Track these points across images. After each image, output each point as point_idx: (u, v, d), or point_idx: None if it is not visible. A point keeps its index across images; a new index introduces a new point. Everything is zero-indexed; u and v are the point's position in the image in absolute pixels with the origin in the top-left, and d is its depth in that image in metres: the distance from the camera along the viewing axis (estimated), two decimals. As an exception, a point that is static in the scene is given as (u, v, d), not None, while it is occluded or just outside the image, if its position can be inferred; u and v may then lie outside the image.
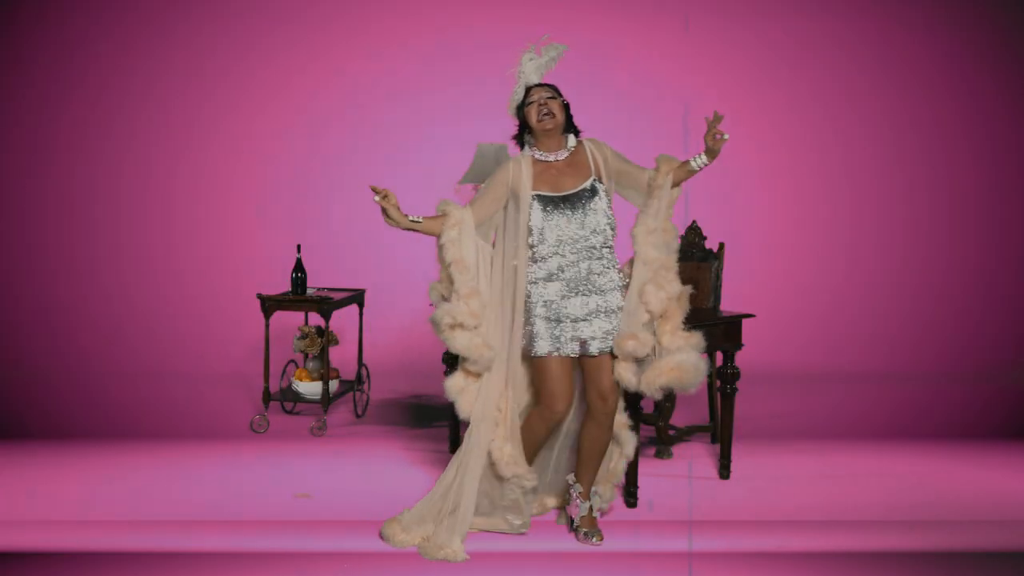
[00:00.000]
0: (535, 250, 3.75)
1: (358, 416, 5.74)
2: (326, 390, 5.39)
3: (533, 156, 3.81)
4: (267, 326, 5.40)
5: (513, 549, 3.74)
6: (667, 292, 3.70)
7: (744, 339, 4.59)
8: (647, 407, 5.56)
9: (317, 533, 3.89)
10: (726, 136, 3.66)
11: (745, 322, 4.56)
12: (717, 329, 4.43)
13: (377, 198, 3.72)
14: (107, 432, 5.42)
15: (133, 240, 7.14)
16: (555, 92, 3.80)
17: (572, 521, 3.88)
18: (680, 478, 4.57)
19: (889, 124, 7.19)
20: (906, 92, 7.15)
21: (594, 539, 3.78)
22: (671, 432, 4.93)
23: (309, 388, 5.50)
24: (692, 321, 4.34)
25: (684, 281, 5.32)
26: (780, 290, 7.04)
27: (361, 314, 5.83)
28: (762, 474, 4.62)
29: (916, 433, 5.44)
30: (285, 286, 5.89)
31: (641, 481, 4.23)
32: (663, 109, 7.17)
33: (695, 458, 4.89)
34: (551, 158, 3.80)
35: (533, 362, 3.80)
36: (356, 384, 5.73)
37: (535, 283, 3.77)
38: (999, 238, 7.12)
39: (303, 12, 7.16)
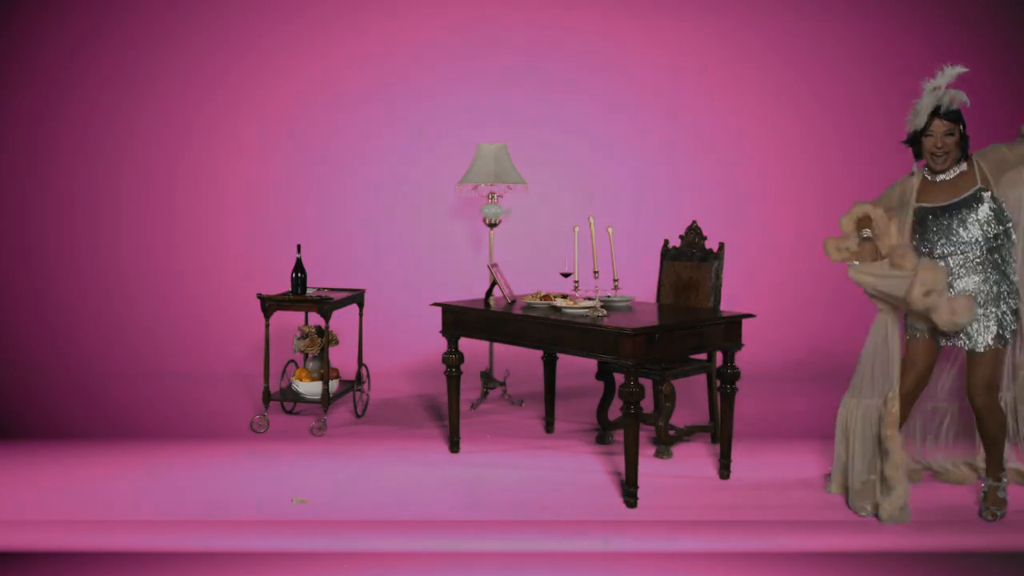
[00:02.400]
0: None
1: (358, 416, 5.74)
2: (326, 390, 5.38)
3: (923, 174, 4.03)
4: (267, 326, 5.40)
5: (514, 549, 3.74)
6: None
7: (744, 339, 4.58)
8: (647, 407, 5.56)
9: (317, 533, 3.89)
10: None
11: (745, 322, 4.56)
12: (717, 329, 4.42)
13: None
14: (107, 432, 5.41)
15: (133, 240, 7.14)
16: (953, 126, 3.89)
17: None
18: (680, 478, 4.57)
19: (889, 124, 7.17)
20: (906, 92, 7.11)
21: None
22: (671, 432, 4.93)
23: (309, 388, 5.50)
24: (692, 321, 4.35)
25: (684, 281, 5.33)
26: (780, 290, 7.04)
27: (361, 314, 5.83)
28: (762, 474, 4.62)
29: (916, 433, 5.43)
30: (285, 286, 5.89)
31: (641, 481, 4.23)
32: (662, 108, 7.17)
33: (695, 458, 4.89)
34: (938, 179, 3.96)
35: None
36: (356, 384, 5.72)
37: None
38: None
39: (303, 13, 7.16)
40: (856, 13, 7.14)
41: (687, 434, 5.00)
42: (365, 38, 7.17)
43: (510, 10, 7.15)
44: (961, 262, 3.86)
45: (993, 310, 3.84)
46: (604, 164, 7.18)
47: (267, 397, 5.41)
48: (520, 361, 6.47)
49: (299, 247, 5.56)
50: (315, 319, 6.07)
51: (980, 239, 3.83)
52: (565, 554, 3.72)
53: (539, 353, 5.54)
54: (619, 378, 5.11)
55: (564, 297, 4.71)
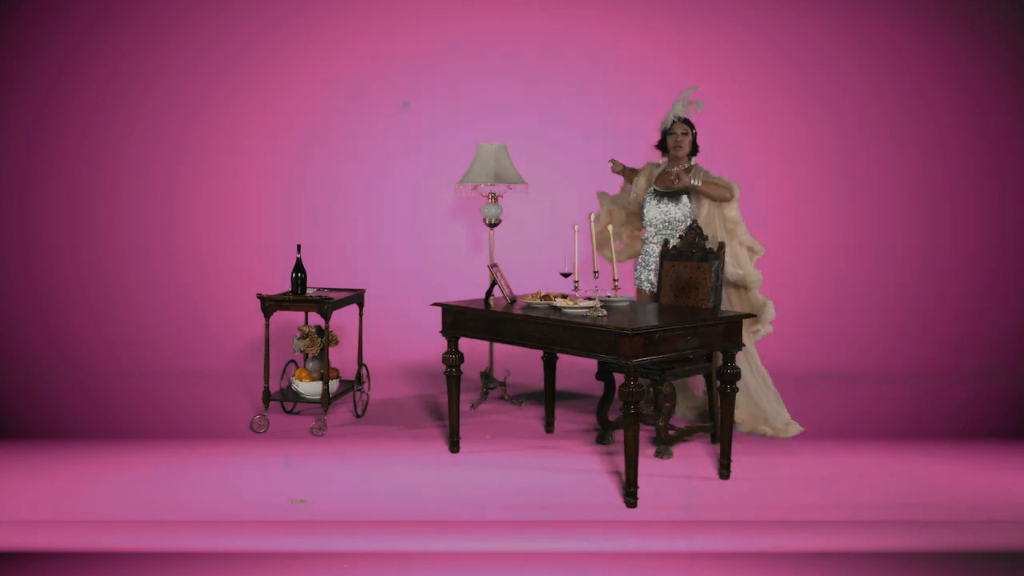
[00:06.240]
0: None
1: (358, 416, 5.74)
2: (326, 390, 5.39)
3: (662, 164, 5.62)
4: (267, 326, 5.40)
5: (514, 549, 3.74)
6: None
7: (744, 339, 4.58)
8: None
9: (317, 533, 3.89)
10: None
11: (745, 322, 4.56)
12: (717, 329, 4.42)
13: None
14: (107, 432, 5.42)
15: (133, 240, 7.14)
16: (688, 129, 5.49)
17: None
18: (680, 478, 4.58)
19: (889, 124, 7.18)
20: (906, 92, 7.15)
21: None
22: (671, 432, 4.94)
23: (309, 388, 5.50)
24: (692, 321, 4.35)
25: (684, 281, 5.37)
26: (780, 290, 7.03)
27: (361, 314, 5.83)
28: (762, 474, 4.62)
29: (916, 433, 5.44)
30: (285, 286, 5.90)
31: (641, 481, 4.23)
32: (663, 108, 7.17)
33: (695, 458, 4.89)
34: (674, 168, 5.53)
35: None
36: (356, 384, 5.73)
37: None
38: (999, 238, 7.12)
39: (302, 13, 7.16)
40: (856, 13, 7.14)
41: (687, 434, 5.00)
42: (365, 38, 7.17)
43: (511, 10, 7.15)
44: (664, 230, 5.46)
45: None
46: (604, 164, 7.17)
47: (267, 397, 5.41)
48: (520, 361, 6.47)
49: (299, 247, 5.57)
50: (315, 319, 6.08)
51: (678, 220, 5.44)
52: (565, 554, 3.73)
53: (539, 353, 5.54)
54: (619, 378, 5.11)
55: (564, 297, 4.72)
